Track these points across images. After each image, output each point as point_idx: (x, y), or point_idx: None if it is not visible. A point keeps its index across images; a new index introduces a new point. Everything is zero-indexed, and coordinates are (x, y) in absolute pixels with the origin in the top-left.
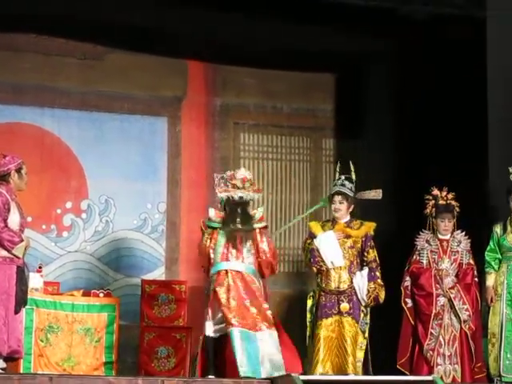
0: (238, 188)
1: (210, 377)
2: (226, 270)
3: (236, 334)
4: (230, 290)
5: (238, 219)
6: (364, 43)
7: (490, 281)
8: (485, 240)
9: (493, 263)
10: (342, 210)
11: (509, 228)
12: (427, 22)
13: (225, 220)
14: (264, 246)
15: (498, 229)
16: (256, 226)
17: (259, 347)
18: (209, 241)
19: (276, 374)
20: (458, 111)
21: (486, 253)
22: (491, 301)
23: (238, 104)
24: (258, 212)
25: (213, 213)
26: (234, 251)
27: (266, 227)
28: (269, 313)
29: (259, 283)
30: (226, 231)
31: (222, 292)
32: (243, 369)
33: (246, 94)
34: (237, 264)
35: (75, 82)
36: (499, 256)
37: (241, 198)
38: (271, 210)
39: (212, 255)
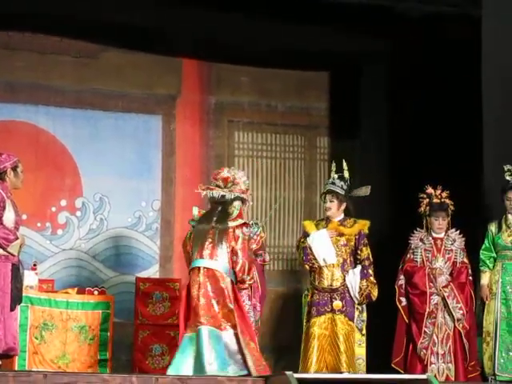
0: (220, 187)
1: None
2: (199, 267)
3: (204, 332)
4: (200, 287)
5: (215, 218)
6: (359, 42)
7: (485, 279)
8: (480, 238)
9: (487, 262)
10: (332, 209)
11: (504, 226)
12: (423, 21)
13: (200, 218)
14: (237, 244)
15: (493, 227)
16: (230, 224)
17: (225, 346)
18: (189, 239)
19: (241, 373)
20: (453, 110)
21: (481, 251)
22: (486, 299)
23: (232, 102)
24: (235, 210)
25: (196, 211)
26: (207, 249)
27: (243, 225)
28: (234, 312)
29: (230, 282)
30: (199, 229)
31: (194, 290)
32: (211, 367)
33: (241, 92)
34: (209, 262)
35: (70, 80)
36: (494, 255)
37: (223, 196)
38: (265, 208)
39: (191, 253)
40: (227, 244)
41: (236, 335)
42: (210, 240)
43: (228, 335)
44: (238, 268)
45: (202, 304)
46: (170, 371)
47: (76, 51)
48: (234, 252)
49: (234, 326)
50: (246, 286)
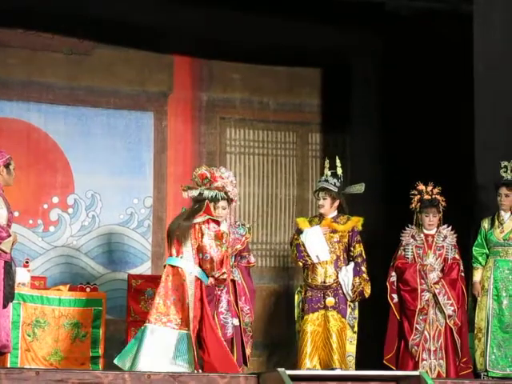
0: (198, 185)
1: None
2: (165, 265)
3: (150, 330)
4: (161, 285)
5: (185, 216)
6: (351, 38)
7: (477, 276)
8: (471, 235)
9: (480, 258)
10: (325, 206)
11: (496, 223)
12: (413, 17)
13: (175, 217)
14: (202, 241)
15: (485, 223)
16: (195, 220)
17: (171, 346)
18: None
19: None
20: (444, 106)
21: (474, 248)
22: (478, 295)
23: (224, 99)
24: (203, 207)
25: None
26: (174, 247)
27: (209, 221)
28: (191, 312)
29: (195, 280)
30: (170, 228)
31: (160, 287)
32: (147, 363)
33: (233, 89)
34: (175, 260)
35: (62, 77)
36: (486, 251)
37: (200, 194)
38: (257, 205)
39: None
40: (192, 241)
41: (187, 335)
42: (176, 238)
43: (173, 334)
44: (204, 265)
45: (156, 302)
46: (117, 360)
47: (68, 48)
48: (198, 249)
49: (183, 326)
50: (222, 281)
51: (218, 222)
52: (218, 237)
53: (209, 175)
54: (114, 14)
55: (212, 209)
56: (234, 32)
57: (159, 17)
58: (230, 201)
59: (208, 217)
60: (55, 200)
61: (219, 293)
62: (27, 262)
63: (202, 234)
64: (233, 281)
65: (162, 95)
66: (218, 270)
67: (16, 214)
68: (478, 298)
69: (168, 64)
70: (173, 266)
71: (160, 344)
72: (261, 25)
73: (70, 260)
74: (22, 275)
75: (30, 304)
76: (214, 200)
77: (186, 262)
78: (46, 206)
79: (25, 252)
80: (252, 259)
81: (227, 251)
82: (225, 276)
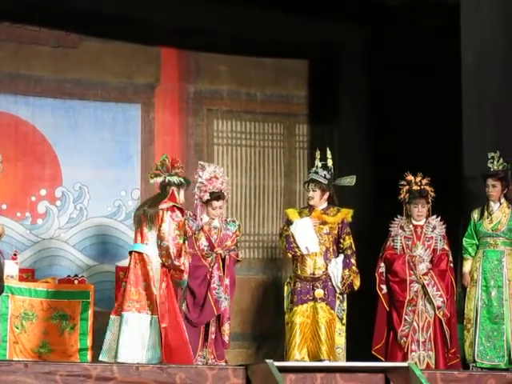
0: (163, 172)
1: None
2: (131, 252)
3: (124, 319)
4: (130, 272)
5: (150, 202)
6: (338, 29)
7: (467, 267)
8: (461, 225)
9: (470, 249)
10: (315, 198)
11: (485, 213)
12: (401, 7)
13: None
14: (162, 228)
15: (475, 214)
16: (161, 207)
17: (145, 332)
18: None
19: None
20: (432, 97)
21: (464, 238)
22: (467, 286)
23: (211, 90)
24: (168, 193)
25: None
26: (139, 234)
27: (172, 208)
28: (157, 298)
29: (160, 266)
30: (135, 214)
31: (130, 274)
32: (124, 354)
33: (220, 81)
34: (140, 246)
35: (49, 70)
36: (476, 242)
37: (165, 181)
38: (245, 196)
39: None
40: (156, 227)
41: (154, 320)
42: (142, 224)
43: (146, 321)
44: (160, 251)
45: (128, 290)
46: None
47: (55, 41)
48: (158, 236)
49: (154, 311)
50: (179, 273)
51: (182, 210)
52: (180, 226)
53: (171, 162)
54: (101, 6)
55: (176, 194)
56: (221, 24)
57: (146, 9)
58: (182, 186)
59: (172, 204)
60: (43, 192)
61: (210, 269)
62: (15, 255)
63: (163, 222)
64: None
65: (149, 87)
66: (176, 259)
67: (4, 206)
68: (468, 289)
69: (155, 56)
70: (138, 253)
71: (136, 333)
72: (248, 17)
73: (57, 252)
74: (10, 268)
75: (18, 296)
76: (179, 186)
77: (151, 248)
78: (33, 199)
79: (13, 244)
80: (239, 255)
81: (184, 244)
82: (182, 268)
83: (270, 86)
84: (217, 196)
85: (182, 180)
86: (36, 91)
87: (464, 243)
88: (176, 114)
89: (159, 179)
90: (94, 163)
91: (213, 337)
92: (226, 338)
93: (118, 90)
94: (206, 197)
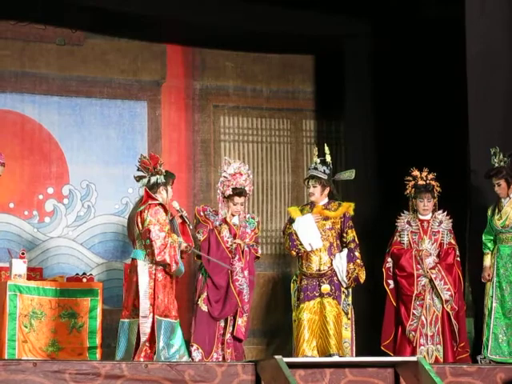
0: (145, 172)
1: None
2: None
3: (122, 324)
4: (126, 279)
5: (133, 207)
6: (343, 24)
7: (487, 261)
8: (468, 220)
9: (489, 244)
10: (315, 194)
11: (496, 210)
12: (404, 1)
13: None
14: (142, 228)
15: (489, 211)
16: (139, 209)
17: (130, 336)
18: None
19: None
20: (438, 91)
21: (483, 234)
22: (484, 280)
23: (217, 87)
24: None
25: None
26: (131, 238)
27: (150, 206)
28: (143, 301)
29: (147, 269)
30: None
31: (127, 281)
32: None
33: (225, 77)
34: (133, 251)
35: (55, 67)
36: (493, 237)
37: (148, 181)
38: (253, 192)
39: None
40: (138, 230)
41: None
42: (131, 230)
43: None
44: (146, 251)
45: (125, 296)
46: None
47: (60, 39)
48: (142, 236)
49: (137, 314)
50: (167, 266)
51: (163, 206)
52: (160, 222)
53: (149, 162)
54: (106, 3)
55: (163, 192)
56: (227, 20)
57: (151, 6)
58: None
59: (149, 203)
60: (50, 191)
61: (232, 261)
62: (23, 253)
63: (143, 220)
64: (242, 251)
65: (155, 84)
66: (159, 254)
67: (11, 205)
68: (487, 284)
69: (161, 53)
70: (132, 258)
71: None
72: (253, 12)
73: (65, 250)
74: (18, 266)
75: (27, 295)
76: (165, 184)
77: (138, 251)
78: (41, 197)
79: (20, 243)
80: (259, 250)
81: (165, 238)
82: (168, 261)
83: (276, 82)
84: (239, 192)
85: (163, 178)
86: (42, 89)
87: (483, 238)
88: (182, 110)
89: (144, 181)
90: (100, 161)
91: (228, 336)
92: (243, 330)
93: (124, 88)
94: (229, 192)
